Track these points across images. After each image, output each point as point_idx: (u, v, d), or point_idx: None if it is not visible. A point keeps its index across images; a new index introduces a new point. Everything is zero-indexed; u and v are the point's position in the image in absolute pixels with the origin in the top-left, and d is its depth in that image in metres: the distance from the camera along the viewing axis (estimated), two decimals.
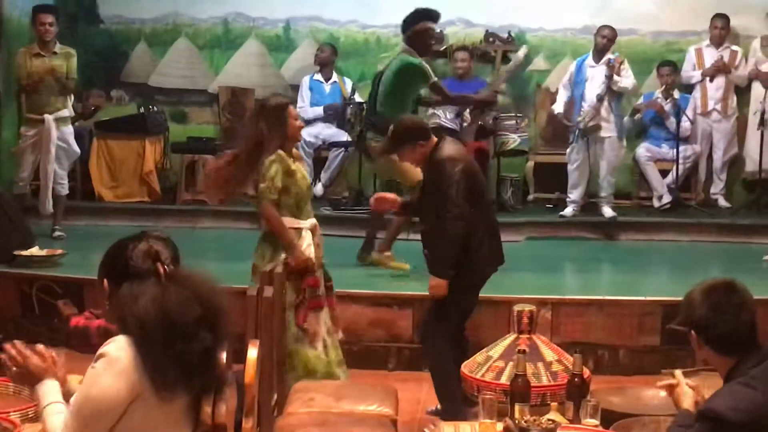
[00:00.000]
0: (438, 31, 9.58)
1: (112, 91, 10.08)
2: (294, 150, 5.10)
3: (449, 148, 4.95)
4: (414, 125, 5.14)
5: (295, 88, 9.64)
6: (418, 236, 5.26)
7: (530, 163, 9.51)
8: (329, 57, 9.47)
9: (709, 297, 3.13)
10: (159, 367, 2.51)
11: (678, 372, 3.38)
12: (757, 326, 3.12)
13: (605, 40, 8.62)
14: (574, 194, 8.81)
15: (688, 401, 3.22)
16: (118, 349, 2.56)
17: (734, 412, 2.90)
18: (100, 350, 2.59)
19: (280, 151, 4.84)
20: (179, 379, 2.53)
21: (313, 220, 5.04)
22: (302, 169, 5.03)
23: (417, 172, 5.58)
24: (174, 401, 2.56)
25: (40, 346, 2.81)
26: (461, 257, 4.82)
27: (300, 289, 4.85)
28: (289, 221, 4.90)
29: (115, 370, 2.54)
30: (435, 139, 5.03)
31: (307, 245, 4.90)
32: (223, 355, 2.66)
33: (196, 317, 2.54)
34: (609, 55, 8.55)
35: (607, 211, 8.75)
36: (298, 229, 4.91)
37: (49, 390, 2.74)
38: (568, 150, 8.81)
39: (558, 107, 8.88)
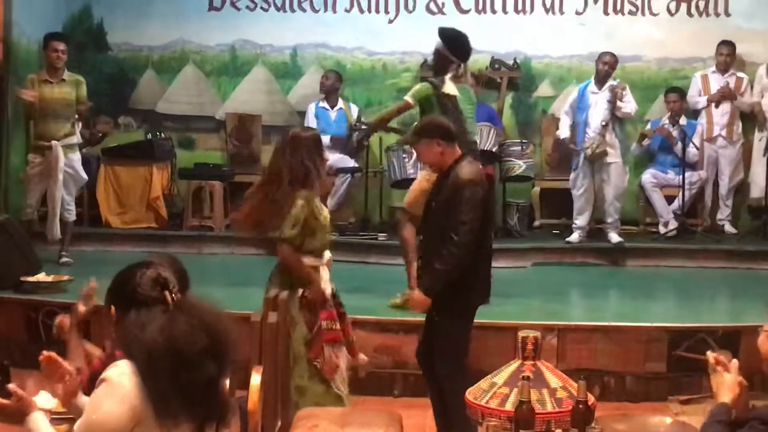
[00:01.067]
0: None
1: (119, 117, 10.15)
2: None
3: (471, 170, 4.87)
4: (439, 123, 5.10)
5: (302, 114, 9.69)
6: None
7: (536, 189, 9.52)
8: (334, 84, 9.51)
9: None
10: (162, 396, 2.50)
11: (735, 361, 3.14)
12: None
13: (606, 67, 8.65)
14: (580, 220, 8.82)
15: (727, 395, 3.06)
16: (121, 374, 2.56)
17: None
18: (103, 375, 2.59)
19: (310, 192, 4.77)
20: (182, 408, 2.52)
21: (329, 254, 4.98)
22: (325, 209, 4.96)
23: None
24: (176, 429, 2.55)
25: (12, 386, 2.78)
26: (456, 285, 4.81)
27: (313, 324, 4.79)
28: (308, 260, 4.85)
29: (117, 395, 2.53)
30: (459, 151, 4.98)
31: (324, 281, 4.87)
32: (227, 382, 2.67)
33: (203, 347, 2.53)
34: (611, 82, 8.57)
35: (614, 237, 8.74)
36: (316, 267, 4.88)
37: (40, 423, 2.74)
38: (571, 176, 8.82)
39: (563, 132, 8.88)
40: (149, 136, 9.75)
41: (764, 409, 2.96)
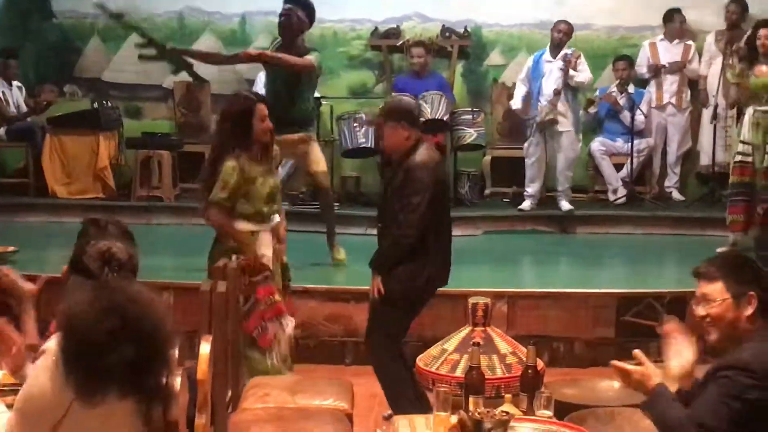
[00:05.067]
0: (395, 26, 9.64)
1: (65, 86, 9.97)
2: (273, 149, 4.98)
3: (424, 153, 4.85)
4: (406, 106, 5.04)
5: (251, 82, 9.58)
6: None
7: (487, 158, 9.54)
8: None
9: (753, 261, 3.19)
10: (73, 375, 2.45)
11: (638, 352, 3.24)
12: None
13: (561, 35, 8.66)
14: (532, 188, 8.86)
15: (656, 377, 3.12)
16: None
17: (758, 363, 2.91)
18: (44, 346, 2.55)
19: (242, 155, 4.75)
20: (99, 388, 2.47)
21: (277, 218, 4.95)
22: (265, 174, 4.89)
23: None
24: (110, 405, 2.51)
25: None
26: (407, 272, 4.78)
27: (249, 295, 4.71)
28: (242, 225, 4.83)
29: (54, 367, 2.49)
30: (418, 134, 4.92)
31: (263, 247, 4.85)
32: (170, 356, 2.62)
33: (111, 330, 2.46)
34: (565, 50, 8.59)
35: (564, 205, 8.80)
36: (254, 232, 4.85)
37: None
38: (525, 144, 8.86)
39: (516, 103, 8.91)
40: (95, 105, 9.59)
41: (731, 358, 3.00)
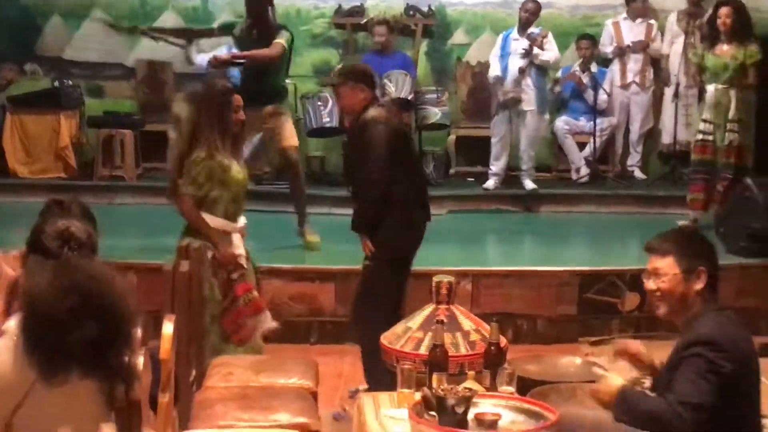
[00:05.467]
0: (359, 4, 9.59)
1: (25, 64, 9.82)
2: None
3: (376, 110, 4.94)
4: (365, 68, 5.14)
5: None
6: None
7: (452, 137, 9.55)
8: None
9: (705, 238, 3.26)
10: (34, 355, 2.44)
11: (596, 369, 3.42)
12: None
13: (528, 14, 8.67)
14: (496, 166, 8.89)
15: (617, 381, 3.19)
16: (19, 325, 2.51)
17: (722, 336, 2.99)
18: (4, 325, 2.54)
19: (216, 144, 4.66)
20: (61, 367, 2.45)
21: (244, 221, 4.89)
22: (237, 165, 4.81)
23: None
24: (73, 385, 2.50)
25: None
26: (393, 228, 4.84)
27: (228, 292, 4.70)
28: (218, 223, 4.76)
29: (15, 347, 2.48)
30: (375, 96, 5.03)
31: (236, 248, 4.77)
32: (133, 335, 2.62)
33: (71, 308, 2.45)
34: (532, 29, 8.61)
35: (528, 184, 8.85)
36: (226, 232, 4.77)
37: None
38: (491, 122, 8.88)
39: (493, 71, 8.81)
40: (56, 83, 9.47)
41: (693, 336, 3.05)
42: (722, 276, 6.52)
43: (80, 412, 2.55)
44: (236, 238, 4.80)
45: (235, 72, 7.23)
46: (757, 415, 3.05)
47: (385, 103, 5.18)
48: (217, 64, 6.80)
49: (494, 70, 8.81)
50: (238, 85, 5.19)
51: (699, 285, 3.14)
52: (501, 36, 8.93)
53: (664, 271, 3.18)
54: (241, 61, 6.81)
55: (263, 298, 5.10)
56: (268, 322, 4.89)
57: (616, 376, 3.28)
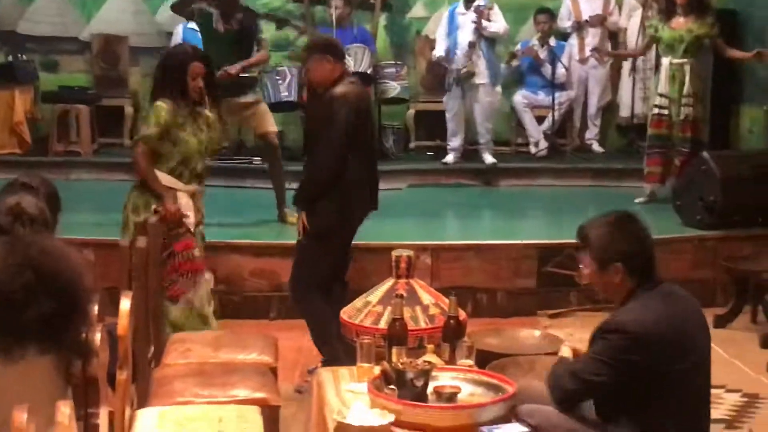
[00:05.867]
0: None
1: None
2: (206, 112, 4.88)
3: (345, 86, 4.91)
4: (331, 40, 5.20)
5: (170, 35, 9.40)
6: None
7: (411, 111, 9.54)
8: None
9: (627, 228, 3.22)
10: None
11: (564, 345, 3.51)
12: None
13: None
14: (454, 142, 8.90)
15: (565, 353, 3.36)
16: None
17: (633, 323, 3.02)
18: None
19: (174, 103, 4.68)
20: (17, 344, 2.43)
21: (194, 187, 4.86)
22: (195, 130, 4.81)
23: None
24: (30, 362, 2.47)
25: None
26: (332, 206, 4.83)
27: (167, 246, 4.67)
28: (165, 179, 4.74)
29: None
30: (345, 69, 5.02)
31: (185, 209, 4.77)
32: (90, 311, 2.59)
33: (26, 285, 2.43)
34: (478, 2, 8.59)
35: (487, 158, 8.87)
36: (173, 189, 4.76)
37: None
38: (444, 98, 8.88)
39: (438, 51, 8.83)
40: (10, 58, 9.34)
41: (612, 320, 3.12)
42: (679, 249, 6.66)
43: (37, 389, 2.53)
44: (183, 199, 4.79)
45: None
46: (688, 396, 3.08)
47: (355, 79, 5.14)
48: (227, 76, 6.73)
49: (439, 50, 8.79)
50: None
51: (616, 279, 3.17)
52: (447, 12, 8.92)
53: (584, 264, 3.26)
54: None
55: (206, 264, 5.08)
56: (209, 284, 4.88)
57: (567, 349, 3.35)
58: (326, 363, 4.71)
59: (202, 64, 4.82)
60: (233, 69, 6.82)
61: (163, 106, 4.69)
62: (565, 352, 3.40)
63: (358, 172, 4.89)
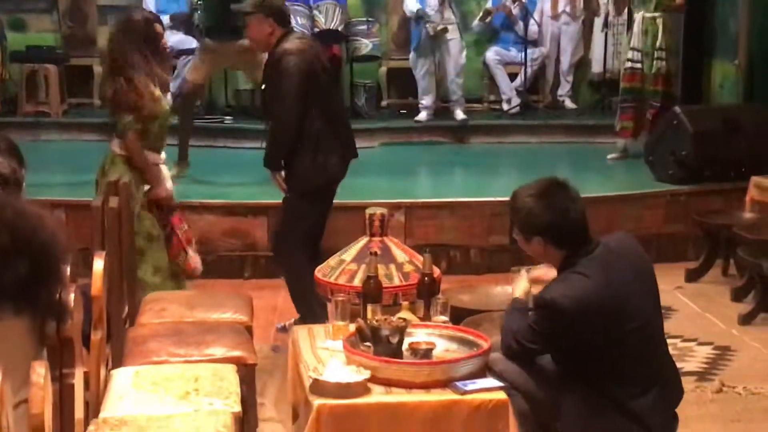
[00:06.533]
0: None
1: None
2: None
3: (292, 42, 4.86)
4: (278, 3, 5.02)
5: None
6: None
7: (383, 69, 9.50)
8: None
9: (548, 200, 3.20)
10: None
11: (523, 270, 3.54)
12: (586, 218, 3.23)
13: None
14: (426, 100, 8.88)
15: (519, 290, 3.40)
16: None
17: (566, 299, 3.05)
18: None
19: (145, 78, 4.55)
20: None
21: (164, 156, 4.84)
22: (164, 99, 4.74)
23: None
24: (3, 324, 2.46)
25: None
26: (305, 161, 4.82)
27: (165, 224, 4.70)
28: (150, 156, 4.68)
29: None
30: (285, 29, 4.93)
31: (166, 179, 4.75)
32: (63, 272, 2.58)
33: (1, 247, 2.41)
34: None
35: (459, 114, 8.86)
36: (157, 165, 4.73)
37: None
38: (411, 57, 8.81)
39: (412, 5, 8.73)
40: None
41: (544, 294, 3.16)
42: (651, 203, 6.70)
43: (11, 350, 2.51)
44: (165, 171, 4.77)
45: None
46: (632, 358, 3.11)
47: (302, 35, 5.08)
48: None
49: (411, 4, 8.70)
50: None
51: (539, 249, 3.20)
52: None
53: (515, 232, 3.28)
54: None
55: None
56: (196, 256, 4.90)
57: (523, 284, 3.38)
58: (301, 320, 4.73)
59: (161, 25, 4.77)
60: None
61: (137, 88, 4.52)
62: (521, 285, 3.41)
63: (323, 123, 4.86)
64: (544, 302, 3.11)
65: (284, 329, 5.07)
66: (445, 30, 8.54)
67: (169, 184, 4.75)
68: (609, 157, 7.74)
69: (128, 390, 3.18)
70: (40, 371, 2.15)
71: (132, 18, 4.76)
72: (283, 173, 4.92)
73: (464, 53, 8.85)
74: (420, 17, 8.65)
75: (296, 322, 4.87)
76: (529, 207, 3.20)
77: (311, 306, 4.72)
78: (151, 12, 5.01)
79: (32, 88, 8.96)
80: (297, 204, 4.92)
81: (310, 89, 4.80)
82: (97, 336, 3.09)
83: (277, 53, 4.83)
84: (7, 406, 2.09)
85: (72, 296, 2.65)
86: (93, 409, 3.06)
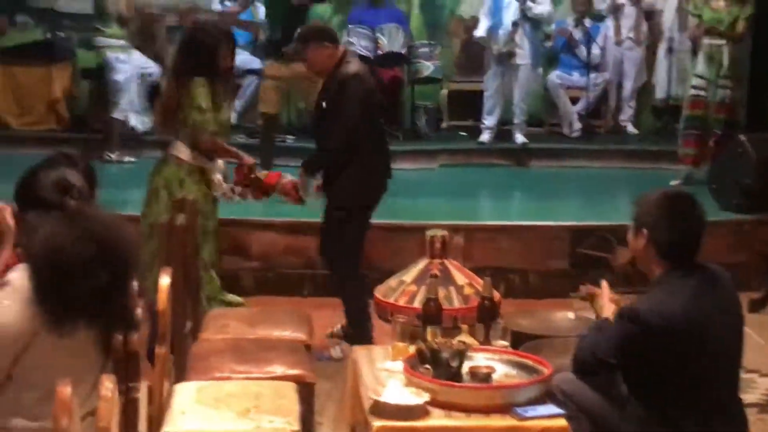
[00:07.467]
0: None
1: (16, 16, 9.73)
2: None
3: (357, 65, 5.05)
4: (323, 26, 5.31)
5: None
6: None
7: (444, 91, 9.53)
8: None
9: (671, 203, 3.21)
10: (49, 304, 2.45)
11: (604, 282, 3.50)
12: (702, 244, 3.21)
13: None
14: (489, 120, 8.88)
15: (609, 311, 3.34)
16: (22, 277, 2.51)
17: (653, 314, 3.03)
18: (5, 278, 2.54)
19: (212, 82, 4.78)
20: (73, 317, 2.47)
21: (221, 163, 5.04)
22: (226, 109, 4.96)
23: None
24: (76, 334, 2.51)
25: None
26: (350, 178, 4.93)
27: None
28: (199, 161, 4.86)
29: (17, 298, 2.48)
30: (343, 49, 5.13)
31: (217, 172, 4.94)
32: (134, 286, 2.64)
33: (89, 257, 2.46)
34: None
35: (519, 138, 8.85)
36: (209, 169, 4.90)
37: None
38: (485, 77, 8.86)
39: (480, 31, 8.80)
40: (48, 35, 9.42)
41: (633, 305, 3.13)
42: (714, 232, 6.61)
43: (79, 363, 2.58)
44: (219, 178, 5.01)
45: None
46: (706, 385, 3.09)
47: (355, 59, 5.21)
48: None
49: (481, 29, 8.75)
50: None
51: (640, 244, 3.18)
52: None
53: (628, 228, 3.26)
54: None
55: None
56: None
57: (610, 310, 3.35)
58: (348, 328, 4.98)
59: (231, 43, 4.89)
60: None
61: (202, 89, 4.75)
62: (608, 305, 3.38)
63: (372, 145, 5.03)
64: (630, 314, 3.08)
65: (332, 336, 5.15)
66: (512, 54, 8.55)
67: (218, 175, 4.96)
68: (671, 183, 7.67)
69: (190, 405, 3.23)
70: (108, 385, 2.18)
71: (200, 30, 4.91)
72: (315, 182, 5.08)
73: (538, 80, 8.85)
74: (486, 41, 8.68)
75: (343, 329, 4.97)
76: (650, 200, 3.22)
77: (360, 316, 4.83)
78: (221, 30, 5.09)
79: (101, 104, 9.13)
80: (339, 219, 5.05)
81: (366, 114, 4.91)
82: (162, 350, 3.15)
83: (340, 75, 4.95)
84: (75, 418, 2.14)
85: (139, 310, 2.71)
86: (155, 423, 3.11)
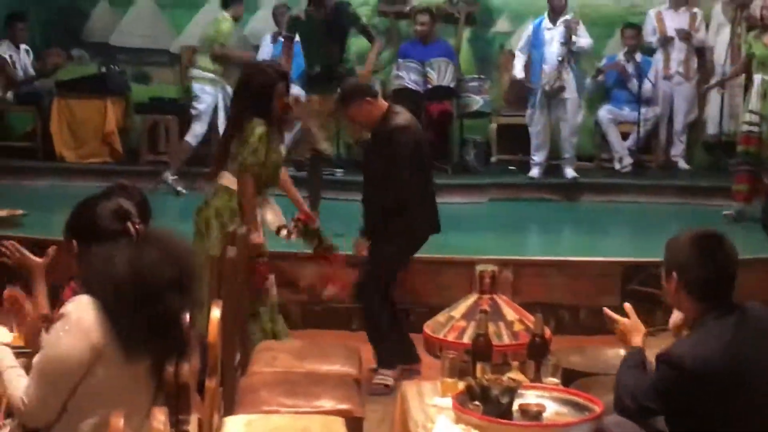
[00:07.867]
0: None
1: (72, 50, 9.95)
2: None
3: (401, 116, 5.07)
4: (360, 83, 5.33)
5: (257, 48, 9.55)
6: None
7: (493, 125, 9.53)
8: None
9: (699, 243, 3.15)
10: (127, 329, 2.48)
11: (627, 305, 3.44)
12: (736, 284, 3.15)
13: (562, 2, 8.63)
14: (538, 156, 8.87)
15: (637, 337, 3.30)
16: (80, 309, 2.54)
17: (691, 358, 2.98)
18: (62, 310, 2.58)
19: (268, 125, 4.77)
20: (145, 342, 2.50)
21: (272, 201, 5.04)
22: (278, 149, 4.96)
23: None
24: (137, 362, 2.54)
25: None
26: (398, 223, 4.94)
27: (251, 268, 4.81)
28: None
29: (76, 330, 2.52)
30: (384, 102, 5.14)
31: (267, 214, 4.94)
32: (187, 316, 2.66)
33: (170, 279, 2.50)
34: (566, 17, 8.57)
35: (569, 173, 8.82)
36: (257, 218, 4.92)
37: (3, 355, 2.72)
38: (528, 113, 8.85)
39: (518, 72, 8.87)
40: (103, 69, 9.60)
41: (672, 348, 3.07)
42: (765, 269, 6.49)
43: (135, 394, 2.60)
44: (274, 212, 4.95)
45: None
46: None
47: (401, 109, 5.21)
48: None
49: (518, 70, 8.81)
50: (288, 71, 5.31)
51: (672, 288, 3.14)
52: (530, 27, 8.89)
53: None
54: None
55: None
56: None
57: (639, 333, 3.32)
58: (381, 361, 4.97)
59: (286, 83, 4.91)
60: (366, 71, 6.88)
61: (261, 130, 4.74)
62: (639, 337, 3.33)
63: (419, 195, 5.05)
64: (669, 359, 3.03)
65: (375, 370, 5.14)
66: (561, 89, 8.55)
67: (269, 218, 4.92)
68: (724, 213, 7.60)
69: None
70: (160, 417, 2.20)
71: (254, 73, 4.94)
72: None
73: (581, 113, 8.84)
74: (525, 81, 8.71)
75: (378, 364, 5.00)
76: (680, 240, 3.17)
77: (388, 350, 4.81)
78: (277, 70, 5.11)
79: (153, 138, 9.28)
80: (382, 257, 5.06)
81: (416, 165, 4.98)
82: (211, 383, 3.16)
83: (388, 128, 4.98)
84: None
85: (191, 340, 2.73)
86: None
